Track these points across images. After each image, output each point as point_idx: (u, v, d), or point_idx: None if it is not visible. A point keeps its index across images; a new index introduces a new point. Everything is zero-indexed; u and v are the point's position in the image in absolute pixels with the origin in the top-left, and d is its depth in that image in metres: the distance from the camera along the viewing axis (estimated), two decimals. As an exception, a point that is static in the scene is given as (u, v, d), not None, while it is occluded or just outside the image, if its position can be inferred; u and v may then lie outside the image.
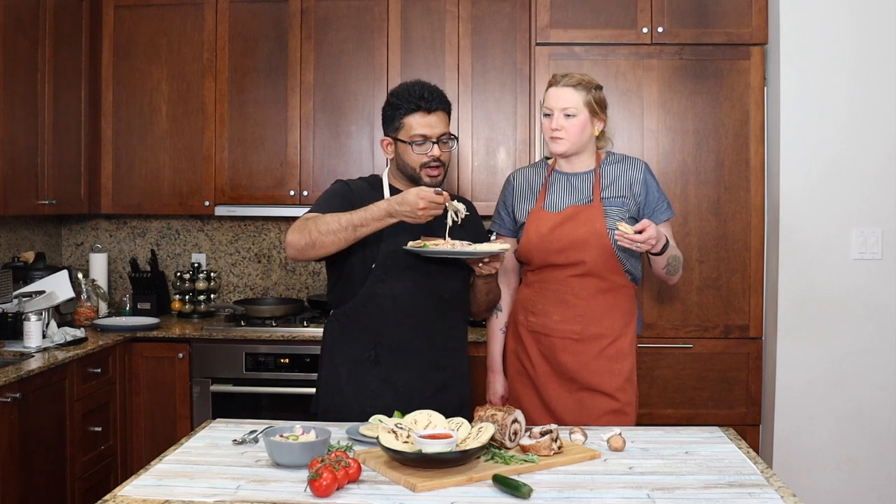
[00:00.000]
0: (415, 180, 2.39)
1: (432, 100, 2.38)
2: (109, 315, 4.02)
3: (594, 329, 2.54)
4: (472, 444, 1.84)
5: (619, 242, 2.38)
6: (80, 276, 3.91)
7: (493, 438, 1.93)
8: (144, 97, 3.94)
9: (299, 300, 4.06)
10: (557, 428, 1.98)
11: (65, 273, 3.61)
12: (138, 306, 4.06)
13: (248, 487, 1.76)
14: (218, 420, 2.30)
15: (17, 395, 2.77)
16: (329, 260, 2.41)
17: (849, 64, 3.43)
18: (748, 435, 3.46)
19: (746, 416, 3.57)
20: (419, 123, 2.37)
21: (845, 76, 3.43)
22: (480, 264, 2.35)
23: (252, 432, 2.13)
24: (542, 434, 1.95)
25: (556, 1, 3.60)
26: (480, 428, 1.89)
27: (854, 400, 3.45)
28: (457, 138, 2.47)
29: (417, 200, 2.17)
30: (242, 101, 3.89)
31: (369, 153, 3.85)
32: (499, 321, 2.72)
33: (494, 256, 2.32)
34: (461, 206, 2.36)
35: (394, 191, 2.43)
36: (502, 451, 1.91)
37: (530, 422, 2.33)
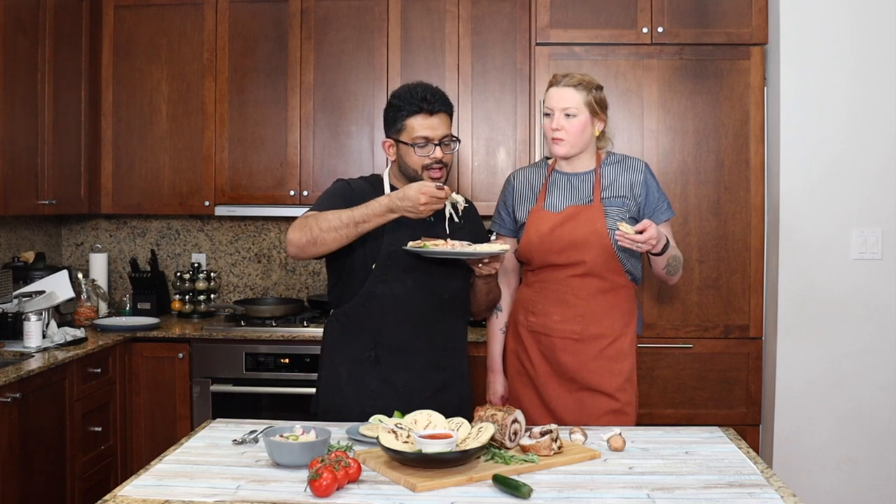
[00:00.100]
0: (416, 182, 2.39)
1: (434, 102, 2.37)
2: (109, 315, 4.02)
3: (594, 329, 2.54)
4: (472, 444, 1.84)
5: (619, 243, 2.38)
6: (80, 276, 3.91)
7: (493, 438, 1.93)
8: (144, 97, 3.94)
9: (299, 300, 4.06)
10: (557, 428, 1.98)
11: (65, 273, 3.61)
12: (138, 306, 4.06)
13: (248, 487, 1.76)
14: (218, 420, 2.30)
15: (17, 395, 2.77)
16: (329, 258, 2.41)
17: (849, 64, 3.43)
18: (748, 435, 3.46)
19: (746, 416, 3.57)
20: (421, 125, 2.36)
21: (845, 76, 3.43)
22: (480, 265, 2.35)
23: (252, 432, 2.13)
24: (542, 434, 1.95)
25: (556, 1, 3.60)
26: (480, 428, 1.89)
27: (854, 400, 3.45)
28: (459, 140, 2.46)
29: (419, 196, 2.18)
30: (242, 101, 3.89)
31: (369, 153, 3.85)
32: (499, 321, 2.72)
33: (494, 257, 2.32)
34: (460, 199, 2.37)
35: (394, 190, 2.43)
36: (502, 451, 1.91)
37: (530, 422, 2.33)
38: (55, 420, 3.07)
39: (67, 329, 3.40)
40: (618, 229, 2.35)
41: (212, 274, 4.14)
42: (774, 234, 3.51)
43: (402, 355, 2.40)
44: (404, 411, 2.06)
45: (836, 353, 3.45)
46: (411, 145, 2.37)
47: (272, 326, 3.69)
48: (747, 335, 3.58)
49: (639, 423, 2.53)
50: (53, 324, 3.40)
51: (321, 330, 2.61)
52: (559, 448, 1.95)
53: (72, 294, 3.58)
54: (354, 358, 2.42)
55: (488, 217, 2.78)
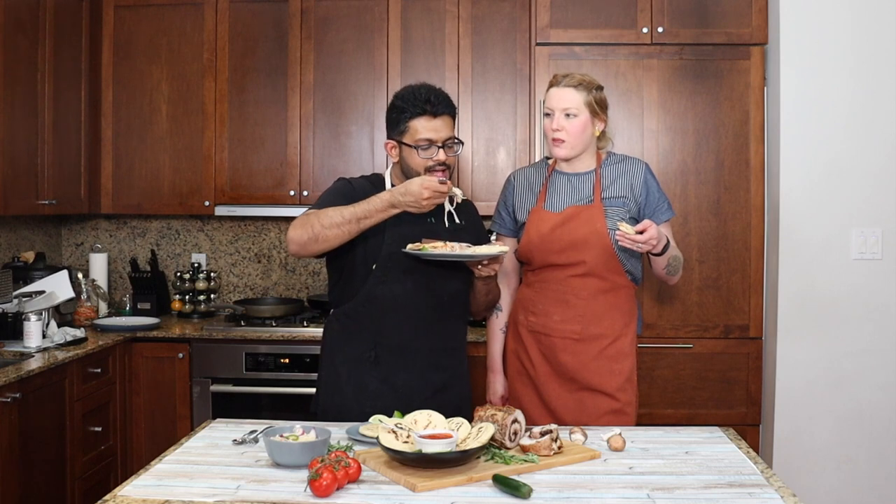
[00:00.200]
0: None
1: (438, 104, 2.36)
2: (109, 315, 4.02)
3: (594, 329, 2.54)
4: (472, 444, 1.84)
5: (619, 243, 2.38)
6: (80, 276, 3.91)
7: (493, 438, 1.93)
8: (144, 97, 3.94)
9: (299, 300, 4.06)
10: (557, 428, 1.98)
11: (65, 273, 3.61)
12: (138, 306, 4.06)
13: (248, 487, 1.76)
14: (218, 420, 2.30)
15: (17, 395, 2.77)
16: (329, 257, 2.41)
17: (849, 64, 3.43)
18: (748, 435, 3.46)
19: (746, 416, 3.57)
20: (425, 127, 2.35)
21: (845, 76, 3.43)
22: (479, 266, 2.35)
23: (252, 432, 2.13)
24: (542, 434, 1.95)
25: (556, 1, 3.60)
26: (480, 428, 1.89)
27: (854, 400, 3.45)
28: (462, 143, 2.45)
29: (422, 190, 2.18)
30: (242, 101, 3.89)
31: (369, 153, 3.85)
32: (499, 321, 2.72)
33: (493, 259, 2.32)
34: (458, 192, 2.38)
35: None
36: (502, 451, 1.91)
37: (530, 422, 2.33)
38: (55, 420, 3.07)
39: (67, 329, 3.40)
40: (618, 229, 2.35)
41: (212, 274, 4.14)
42: (774, 234, 3.51)
43: (402, 356, 2.40)
44: (404, 411, 2.06)
45: (836, 353, 3.45)
46: (414, 147, 2.36)
47: (272, 326, 3.69)
48: (747, 335, 3.58)
49: (639, 423, 2.53)
50: (53, 324, 3.40)
51: (321, 330, 2.61)
52: (559, 448, 1.95)
53: (72, 294, 3.58)
54: (354, 358, 2.42)
55: (488, 217, 2.78)
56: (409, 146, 2.37)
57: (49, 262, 4.04)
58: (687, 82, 3.58)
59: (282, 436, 1.91)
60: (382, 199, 2.24)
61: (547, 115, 2.56)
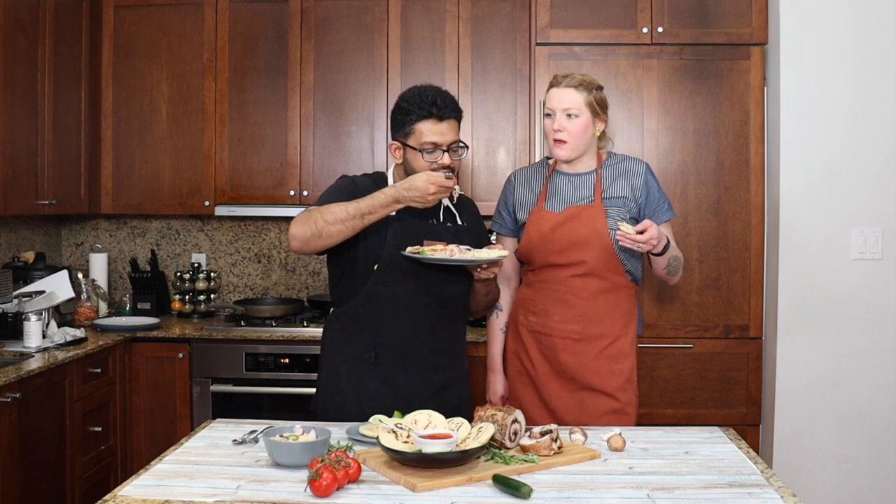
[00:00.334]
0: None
1: (445, 107, 2.34)
2: (109, 315, 4.02)
3: (594, 329, 2.54)
4: (472, 444, 1.84)
5: (620, 242, 2.38)
6: (80, 276, 3.91)
7: (493, 438, 1.93)
8: (144, 97, 3.94)
9: (299, 300, 4.06)
10: (557, 428, 1.98)
11: (65, 273, 3.61)
12: (138, 306, 4.06)
13: (248, 487, 1.76)
14: (218, 420, 2.30)
15: (17, 395, 2.77)
16: (331, 254, 2.40)
17: (849, 64, 3.43)
18: (748, 435, 3.46)
19: (746, 416, 3.57)
20: (430, 131, 2.34)
21: (845, 76, 3.43)
22: (479, 270, 2.35)
23: (252, 432, 2.13)
24: (542, 434, 1.95)
25: (556, 1, 3.60)
26: (480, 428, 1.89)
27: (854, 400, 3.45)
28: (467, 147, 2.44)
29: (428, 186, 2.18)
30: (242, 101, 3.89)
31: (369, 153, 3.85)
32: (499, 321, 2.72)
33: (493, 262, 2.31)
34: (456, 187, 2.38)
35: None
36: (502, 451, 1.91)
37: (530, 422, 2.33)
38: (55, 420, 3.07)
39: (67, 329, 3.40)
40: (618, 229, 2.35)
41: (212, 274, 4.14)
42: (774, 234, 3.51)
43: (402, 357, 2.40)
44: (404, 412, 2.06)
45: (836, 353, 3.45)
46: (419, 150, 2.34)
47: (272, 326, 3.69)
48: (747, 335, 3.58)
49: (639, 423, 2.53)
50: (53, 324, 3.40)
51: (321, 330, 2.60)
52: (559, 448, 1.95)
53: (72, 294, 3.58)
54: (354, 359, 2.42)
55: (488, 217, 2.78)
56: (414, 149, 2.36)
57: (49, 262, 4.04)
58: (687, 82, 3.57)
59: (282, 436, 1.91)
60: (387, 195, 2.23)
61: (548, 115, 2.56)
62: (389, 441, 1.83)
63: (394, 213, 2.31)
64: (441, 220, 2.44)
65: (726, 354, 3.57)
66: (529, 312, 2.60)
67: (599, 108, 2.54)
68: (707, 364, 3.57)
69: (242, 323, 3.74)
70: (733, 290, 3.57)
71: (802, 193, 3.46)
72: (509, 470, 1.83)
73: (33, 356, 3.09)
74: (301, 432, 1.92)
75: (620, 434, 2.06)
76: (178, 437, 3.35)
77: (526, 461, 1.88)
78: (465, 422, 1.92)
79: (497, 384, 2.72)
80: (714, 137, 3.57)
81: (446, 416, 1.96)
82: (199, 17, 3.89)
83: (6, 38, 3.24)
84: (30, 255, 3.82)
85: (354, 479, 1.77)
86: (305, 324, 3.71)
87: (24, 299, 3.44)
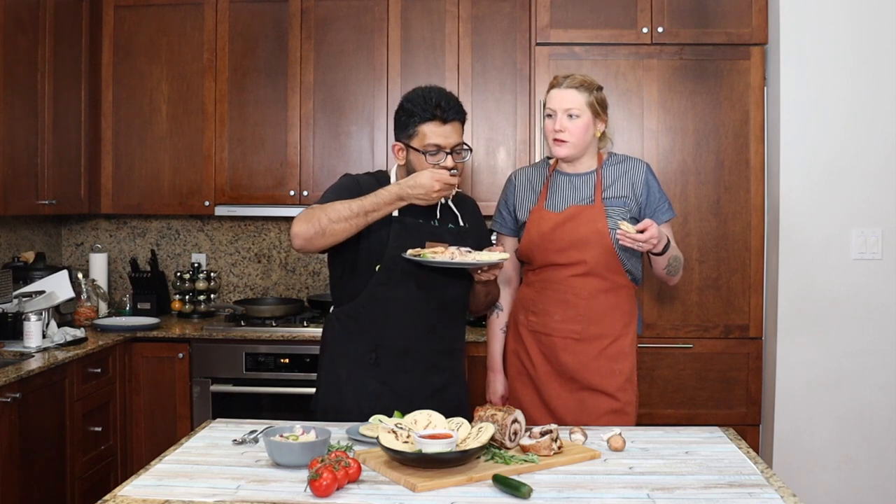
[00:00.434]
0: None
1: (449, 109, 2.34)
2: (109, 315, 4.02)
3: (595, 329, 2.54)
4: (472, 444, 1.84)
5: (620, 242, 2.38)
6: (80, 276, 3.91)
7: (493, 438, 1.93)
8: (144, 97, 3.94)
9: (299, 300, 4.06)
10: (557, 428, 1.98)
11: (65, 273, 3.61)
12: (138, 306, 4.06)
13: (248, 487, 1.76)
14: (218, 420, 2.30)
15: (17, 395, 2.77)
16: (332, 252, 2.39)
17: (849, 64, 3.43)
18: (748, 435, 3.46)
19: (746, 416, 3.57)
20: (434, 133, 2.33)
21: (845, 76, 3.43)
22: (479, 271, 2.35)
23: (252, 432, 2.13)
24: (542, 434, 1.95)
25: (556, 1, 3.60)
26: (480, 428, 1.89)
27: (854, 400, 3.45)
28: (471, 149, 2.44)
29: (433, 183, 2.18)
30: (242, 101, 3.89)
31: (369, 153, 3.85)
32: (499, 321, 2.72)
33: (494, 265, 2.31)
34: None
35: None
36: (502, 451, 1.91)
37: (530, 422, 2.33)
38: (55, 420, 3.07)
39: (67, 329, 3.40)
40: (619, 229, 2.35)
41: (212, 274, 4.14)
42: (774, 234, 3.51)
43: (403, 358, 2.40)
44: (404, 412, 2.06)
45: (836, 353, 3.45)
46: (423, 152, 2.34)
47: (272, 326, 3.69)
48: (747, 335, 3.58)
49: (639, 423, 2.53)
50: (53, 324, 3.40)
51: (321, 330, 2.60)
52: (559, 448, 1.95)
53: (72, 294, 3.58)
54: (354, 359, 2.41)
55: (489, 217, 2.78)
56: (417, 150, 2.35)
57: (49, 262, 4.04)
58: (687, 82, 3.57)
59: (282, 436, 1.91)
60: (390, 192, 2.23)
61: (549, 115, 2.56)
62: (389, 441, 1.83)
63: (395, 213, 2.31)
64: (441, 220, 2.43)
65: (726, 354, 3.57)
66: (530, 312, 2.60)
67: (600, 109, 2.55)
68: (707, 364, 3.57)
69: (242, 323, 3.74)
70: (733, 290, 3.57)
71: (802, 193, 3.46)
72: (509, 470, 1.83)
73: (33, 356, 3.09)
74: (301, 432, 1.92)
75: (620, 434, 2.06)
76: (178, 437, 3.35)
77: (526, 461, 1.88)
78: (465, 422, 1.92)
79: (497, 384, 2.72)
80: (714, 137, 3.57)
81: (446, 416, 1.96)
82: (199, 17, 3.89)
83: (6, 38, 3.24)
84: (30, 255, 3.82)
85: (354, 479, 1.77)
86: (305, 324, 3.71)
87: (24, 299, 3.44)
